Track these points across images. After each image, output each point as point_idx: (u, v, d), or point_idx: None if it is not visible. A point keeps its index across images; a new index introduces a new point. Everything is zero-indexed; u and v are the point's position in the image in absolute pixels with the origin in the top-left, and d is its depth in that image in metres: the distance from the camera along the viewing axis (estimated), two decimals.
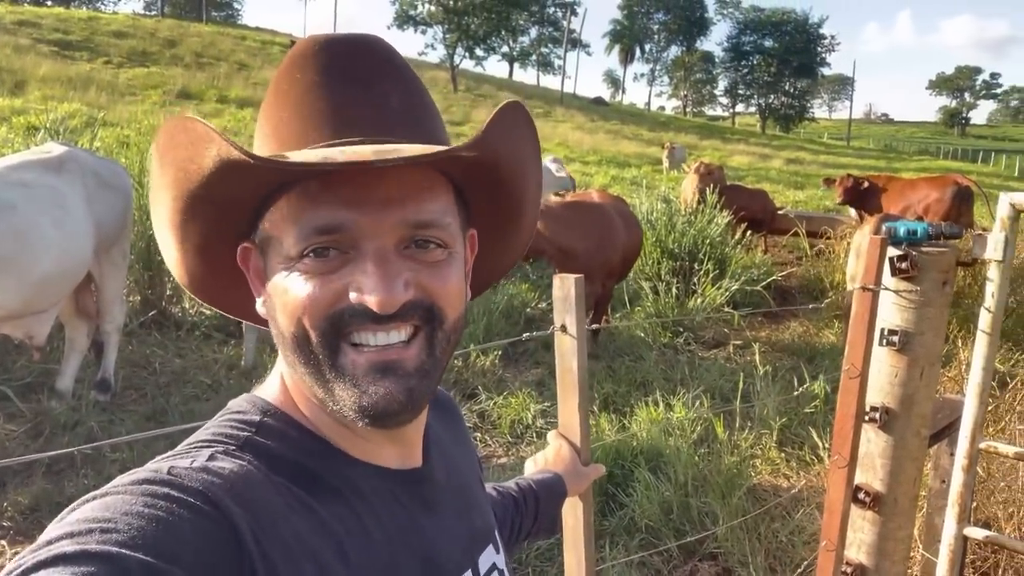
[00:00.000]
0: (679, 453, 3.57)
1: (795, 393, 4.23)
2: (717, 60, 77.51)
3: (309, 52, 0.66)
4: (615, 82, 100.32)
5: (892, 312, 1.66)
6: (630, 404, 4.62)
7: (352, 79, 0.65)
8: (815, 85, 75.68)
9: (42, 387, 4.21)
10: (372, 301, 0.60)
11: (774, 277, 7.60)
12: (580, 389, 1.60)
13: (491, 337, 5.68)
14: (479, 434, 4.27)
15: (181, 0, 57.62)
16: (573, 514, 1.63)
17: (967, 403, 1.73)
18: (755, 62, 68.78)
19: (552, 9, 59.68)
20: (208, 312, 5.84)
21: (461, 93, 38.98)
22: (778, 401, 4.39)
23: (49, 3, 45.12)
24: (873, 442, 1.71)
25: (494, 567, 0.80)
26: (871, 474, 1.73)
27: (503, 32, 47.92)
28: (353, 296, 0.61)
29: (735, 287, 6.92)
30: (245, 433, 0.64)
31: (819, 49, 67.45)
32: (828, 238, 8.71)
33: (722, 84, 77.27)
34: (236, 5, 74.40)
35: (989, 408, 2.50)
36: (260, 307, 0.69)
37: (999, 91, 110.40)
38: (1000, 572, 2.56)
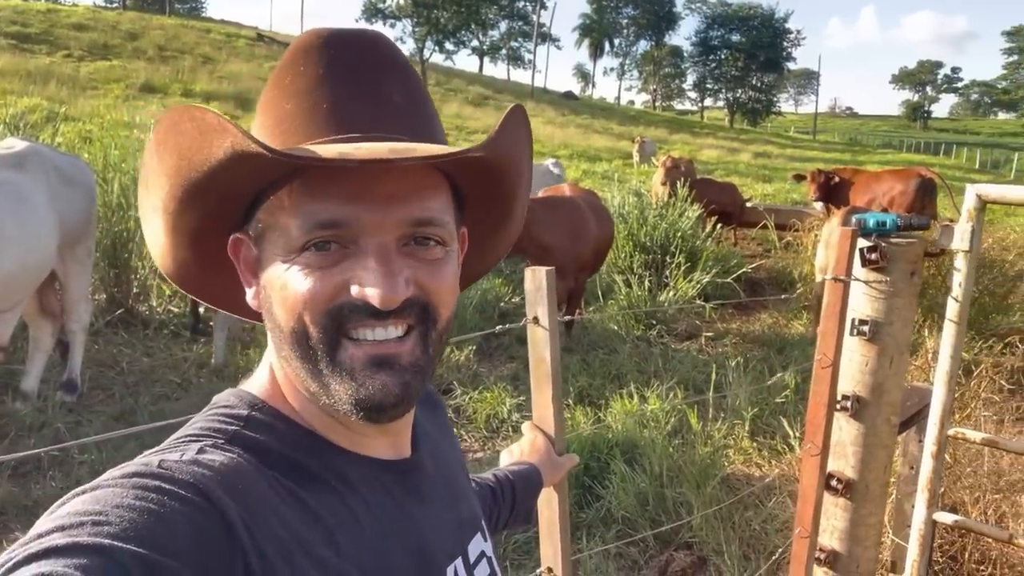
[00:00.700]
0: (654, 444, 3.61)
1: (767, 383, 4.29)
2: (685, 54, 78.15)
3: (313, 46, 0.65)
4: (585, 76, 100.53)
5: (862, 302, 1.68)
6: (605, 397, 4.65)
7: (357, 74, 0.65)
8: (781, 79, 76.43)
9: (6, 388, 4.11)
10: (374, 297, 0.61)
11: (745, 269, 7.69)
12: (553, 380, 1.61)
13: (465, 332, 5.67)
14: (455, 429, 4.27)
15: None
16: (548, 506, 1.64)
17: (935, 391, 1.76)
18: (723, 56, 69.24)
19: (522, 3, 59.66)
20: (176, 310, 5.74)
21: (431, 87, 38.70)
22: (750, 391, 4.45)
23: None
24: (845, 430, 1.74)
25: (483, 554, 0.82)
26: (843, 462, 1.75)
27: (473, 26, 47.65)
28: (354, 290, 0.61)
29: (706, 279, 7.00)
30: (233, 427, 0.64)
31: (785, 44, 68.07)
32: (796, 230, 8.82)
33: (691, 78, 77.83)
34: None
35: (955, 395, 2.56)
36: (251, 299, 0.69)
37: (960, 85, 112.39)
38: (967, 555, 2.63)
